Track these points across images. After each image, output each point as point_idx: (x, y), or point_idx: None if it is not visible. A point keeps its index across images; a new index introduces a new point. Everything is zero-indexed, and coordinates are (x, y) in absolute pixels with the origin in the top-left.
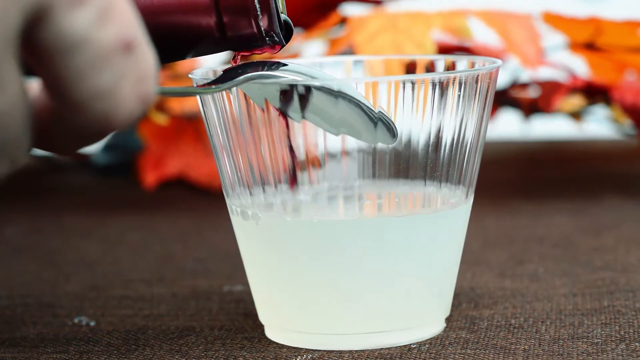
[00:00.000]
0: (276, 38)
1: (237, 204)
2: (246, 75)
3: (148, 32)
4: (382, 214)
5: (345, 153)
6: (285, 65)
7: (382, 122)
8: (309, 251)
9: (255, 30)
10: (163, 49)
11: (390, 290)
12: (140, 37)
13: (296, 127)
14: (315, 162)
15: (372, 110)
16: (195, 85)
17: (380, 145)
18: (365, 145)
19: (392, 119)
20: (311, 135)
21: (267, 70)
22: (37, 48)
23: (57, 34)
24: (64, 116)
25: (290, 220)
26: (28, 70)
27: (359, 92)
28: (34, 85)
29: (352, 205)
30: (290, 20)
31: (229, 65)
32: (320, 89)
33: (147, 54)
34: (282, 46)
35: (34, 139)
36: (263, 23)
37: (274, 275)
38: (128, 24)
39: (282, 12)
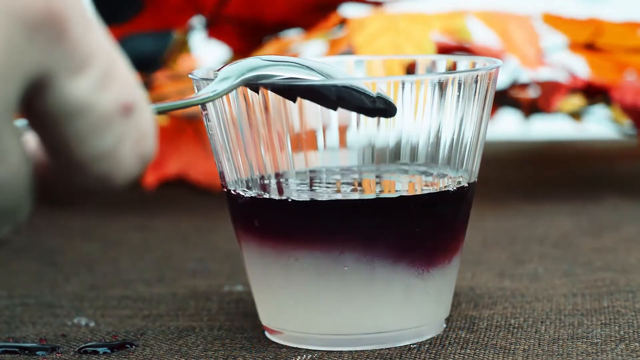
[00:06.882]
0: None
1: (237, 204)
2: (243, 77)
3: None
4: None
5: (345, 147)
6: (283, 63)
7: (380, 99)
8: (308, 250)
9: None
10: None
11: (390, 288)
12: (140, 98)
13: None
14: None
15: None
16: (196, 91)
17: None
18: (364, 140)
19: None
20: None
21: (263, 68)
22: (38, 114)
23: (59, 101)
24: (64, 176)
25: (290, 220)
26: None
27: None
28: (34, 142)
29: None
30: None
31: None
32: (318, 88)
33: (145, 113)
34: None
35: (36, 197)
36: None
37: (274, 275)
38: (128, 87)
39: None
